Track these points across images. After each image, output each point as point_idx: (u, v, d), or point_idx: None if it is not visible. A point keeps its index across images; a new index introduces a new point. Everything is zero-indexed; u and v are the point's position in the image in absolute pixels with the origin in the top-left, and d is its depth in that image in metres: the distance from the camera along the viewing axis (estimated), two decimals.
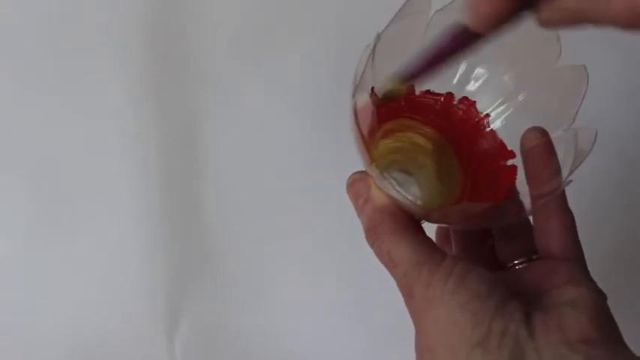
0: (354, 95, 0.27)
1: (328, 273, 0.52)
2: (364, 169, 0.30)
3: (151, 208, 0.52)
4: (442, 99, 0.32)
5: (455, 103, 0.33)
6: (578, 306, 0.26)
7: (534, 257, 0.30)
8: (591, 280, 0.28)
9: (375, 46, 0.27)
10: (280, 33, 0.54)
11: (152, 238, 0.52)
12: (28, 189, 0.52)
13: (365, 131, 0.27)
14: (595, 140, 0.27)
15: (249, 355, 0.53)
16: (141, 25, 0.53)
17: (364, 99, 0.27)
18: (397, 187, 0.27)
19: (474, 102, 0.32)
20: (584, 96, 0.28)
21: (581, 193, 0.52)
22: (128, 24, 0.53)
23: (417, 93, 0.32)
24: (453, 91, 0.33)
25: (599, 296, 0.27)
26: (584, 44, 0.54)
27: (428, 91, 0.32)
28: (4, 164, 0.52)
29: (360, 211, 0.29)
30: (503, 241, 0.32)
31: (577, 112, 0.29)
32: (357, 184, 0.29)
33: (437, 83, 0.32)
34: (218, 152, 0.53)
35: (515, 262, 0.31)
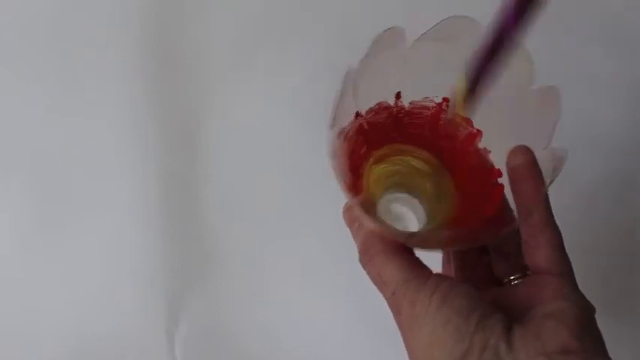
0: (331, 128, 0.27)
1: (328, 273, 0.52)
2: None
3: (151, 208, 0.52)
4: (432, 112, 0.32)
5: (448, 117, 0.32)
6: (557, 318, 0.26)
7: (529, 273, 0.31)
8: (579, 294, 0.29)
9: (343, 83, 0.28)
10: (280, 34, 0.54)
11: (152, 239, 0.52)
12: (27, 189, 0.52)
13: (350, 162, 0.28)
14: (565, 160, 0.28)
15: (249, 356, 0.53)
16: (140, 25, 0.53)
17: (345, 130, 0.28)
18: (380, 220, 0.28)
19: (469, 118, 0.32)
20: (558, 116, 0.29)
21: (578, 193, 0.53)
22: (128, 24, 0.53)
23: (407, 106, 0.32)
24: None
25: (582, 309, 0.27)
26: (585, 43, 0.54)
27: (418, 102, 0.33)
28: (3, 164, 0.52)
29: (355, 235, 0.31)
30: (498, 257, 0.33)
31: (553, 133, 0.29)
32: (352, 210, 0.31)
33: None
34: (218, 153, 0.53)
35: (512, 277, 0.32)
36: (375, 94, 0.31)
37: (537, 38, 0.54)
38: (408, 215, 0.28)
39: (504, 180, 0.31)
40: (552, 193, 0.54)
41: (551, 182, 0.29)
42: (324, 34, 0.54)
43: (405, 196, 0.28)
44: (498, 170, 0.32)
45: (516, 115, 0.31)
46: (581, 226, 0.53)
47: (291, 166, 0.53)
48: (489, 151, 0.32)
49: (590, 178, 0.53)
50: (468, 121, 0.32)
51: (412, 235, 0.28)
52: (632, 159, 0.54)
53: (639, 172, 0.54)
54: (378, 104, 0.31)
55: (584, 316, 0.27)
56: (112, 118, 0.53)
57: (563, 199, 0.53)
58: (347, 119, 0.29)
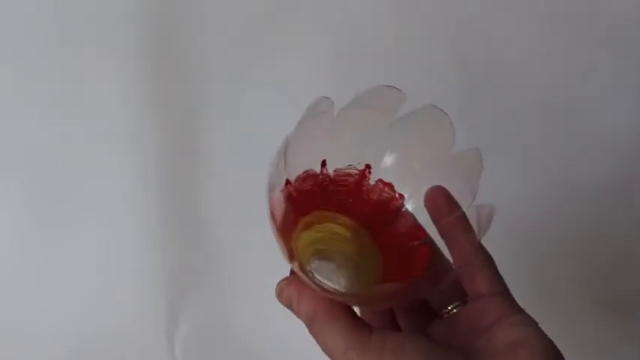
0: (268, 194, 0.29)
1: None
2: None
3: (151, 208, 0.52)
4: (356, 179, 0.34)
5: (371, 183, 0.34)
6: (524, 346, 0.26)
7: (466, 300, 0.31)
8: (522, 311, 0.29)
9: (285, 148, 0.29)
10: (281, 34, 0.54)
11: (152, 239, 0.52)
12: (27, 189, 0.52)
13: (282, 227, 0.29)
14: (493, 216, 0.29)
15: (249, 355, 0.53)
16: (141, 25, 0.53)
17: (277, 197, 0.29)
18: (317, 278, 0.28)
19: (390, 183, 0.34)
20: (480, 176, 0.30)
21: (579, 193, 0.53)
22: (128, 25, 0.53)
23: (332, 174, 0.34)
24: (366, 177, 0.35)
25: (540, 331, 0.28)
26: (585, 44, 0.54)
27: (342, 170, 0.34)
28: (3, 165, 0.52)
29: (296, 312, 0.30)
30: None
31: (477, 191, 0.30)
32: (286, 291, 0.31)
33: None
34: (218, 153, 0.53)
35: (449, 307, 0.32)
36: (303, 162, 0.33)
37: (538, 39, 0.55)
38: (334, 280, 0.29)
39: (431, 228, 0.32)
40: (554, 192, 0.54)
41: (481, 238, 0.30)
42: (324, 34, 0.54)
43: (324, 264, 0.28)
44: (423, 231, 0.33)
45: (439, 179, 0.32)
46: (583, 225, 0.53)
47: None
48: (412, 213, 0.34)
49: (590, 178, 0.53)
50: (390, 186, 0.34)
51: (348, 292, 0.28)
52: (632, 158, 0.54)
53: (639, 171, 0.54)
54: (305, 172, 0.33)
55: (547, 341, 0.27)
56: (112, 119, 0.52)
57: (563, 198, 0.54)
58: (280, 186, 0.30)
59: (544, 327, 0.28)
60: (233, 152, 0.53)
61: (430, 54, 0.54)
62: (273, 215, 0.28)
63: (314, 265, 0.29)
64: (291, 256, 0.29)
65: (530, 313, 0.29)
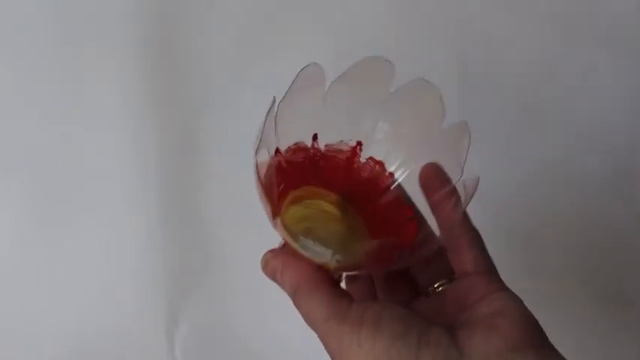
0: (256, 154, 0.28)
1: None
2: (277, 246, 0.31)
3: (151, 208, 0.52)
4: (347, 155, 0.34)
5: (362, 161, 0.34)
6: (503, 316, 0.27)
7: (453, 277, 0.31)
8: (507, 289, 0.29)
9: (276, 112, 0.29)
10: (281, 34, 0.54)
11: (152, 239, 0.52)
12: (27, 189, 0.52)
13: (267, 186, 0.28)
14: (477, 187, 0.29)
15: (249, 355, 0.53)
16: (141, 26, 0.53)
17: (265, 157, 0.29)
18: (305, 254, 0.28)
19: (381, 162, 0.34)
20: (468, 149, 0.30)
21: (582, 191, 0.53)
22: (128, 25, 0.53)
23: (323, 149, 0.34)
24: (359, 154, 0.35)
25: (522, 304, 0.28)
26: (585, 44, 0.54)
27: (333, 146, 0.34)
28: (3, 165, 0.52)
29: (280, 283, 0.31)
30: (420, 268, 0.33)
31: (464, 165, 0.31)
32: (271, 263, 0.31)
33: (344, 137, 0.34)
34: (218, 153, 0.53)
35: (436, 285, 0.32)
36: (294, 133, 0.32)
37: (538, 39, 0.55)
38: (321, 257, 0.29)
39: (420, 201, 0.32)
40: (554, 191, 0.54)
41: (464, 207, 0.30)
42: (324, 34, 0.54)
43: (314, 242, 0.28)
44: (412, 208, 0.33)
45: (429, 153, 0.32)
46: (583, 222, 0.53)
47: None
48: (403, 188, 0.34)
49: (591, 175, 0.53)
50: (381, 165, 0.34)
51: (334, 254, 0.28)
52: (632, 156, 0.54)
53: (639, 168, 0.54)
54: (296, 144, 0.33)
55: (527, 312, 0.27)
56: (112, 119, 0.52)
57: (564, 196, 0.54)
58: (269, 148, 0.30)
59: (542, 325, 0.28)
60: (233, 152, 0.53)
61: (430, 54, 0.54)
62: (259, 173, 0.28)
63: (302, 242, 0.28)
64: (275, 214, 0.29)
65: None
